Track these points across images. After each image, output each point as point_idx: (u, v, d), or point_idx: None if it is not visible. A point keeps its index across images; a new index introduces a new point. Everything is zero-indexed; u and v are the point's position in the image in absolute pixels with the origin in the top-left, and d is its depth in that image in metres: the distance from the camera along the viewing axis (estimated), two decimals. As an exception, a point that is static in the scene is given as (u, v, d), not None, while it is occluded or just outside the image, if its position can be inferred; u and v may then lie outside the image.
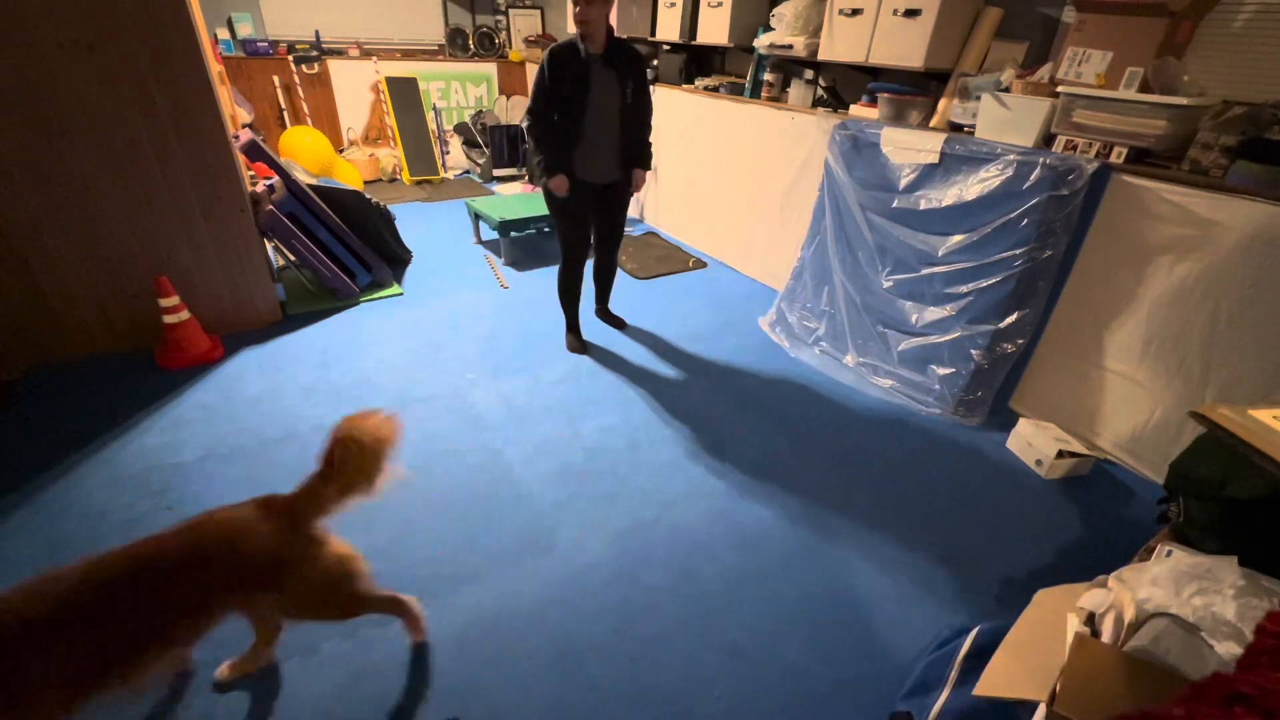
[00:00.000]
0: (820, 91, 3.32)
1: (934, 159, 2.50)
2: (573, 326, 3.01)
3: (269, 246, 3.28)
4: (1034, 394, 2.55)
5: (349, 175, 5.21)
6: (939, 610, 1.71)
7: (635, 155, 2.64)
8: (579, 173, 2.57)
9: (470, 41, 6.21)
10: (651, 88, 2.63)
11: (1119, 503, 2.15)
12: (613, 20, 2.49)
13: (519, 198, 4.40)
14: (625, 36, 4.48)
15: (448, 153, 6.10)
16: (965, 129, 2.57)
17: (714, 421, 2.50)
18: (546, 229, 4.24)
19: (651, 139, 2.68)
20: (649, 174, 2.84)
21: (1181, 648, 1.01)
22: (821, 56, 3.10)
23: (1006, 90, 2.40)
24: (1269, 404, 1.34)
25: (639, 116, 2.58)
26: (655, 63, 4.51)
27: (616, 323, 3.23)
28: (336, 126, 5.82)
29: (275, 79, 5.39)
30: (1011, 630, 1.33)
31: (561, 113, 2.45)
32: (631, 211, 5.05)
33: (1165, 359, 2.12)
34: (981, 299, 2.42)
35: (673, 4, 4.02)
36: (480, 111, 6.23)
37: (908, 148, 2.59)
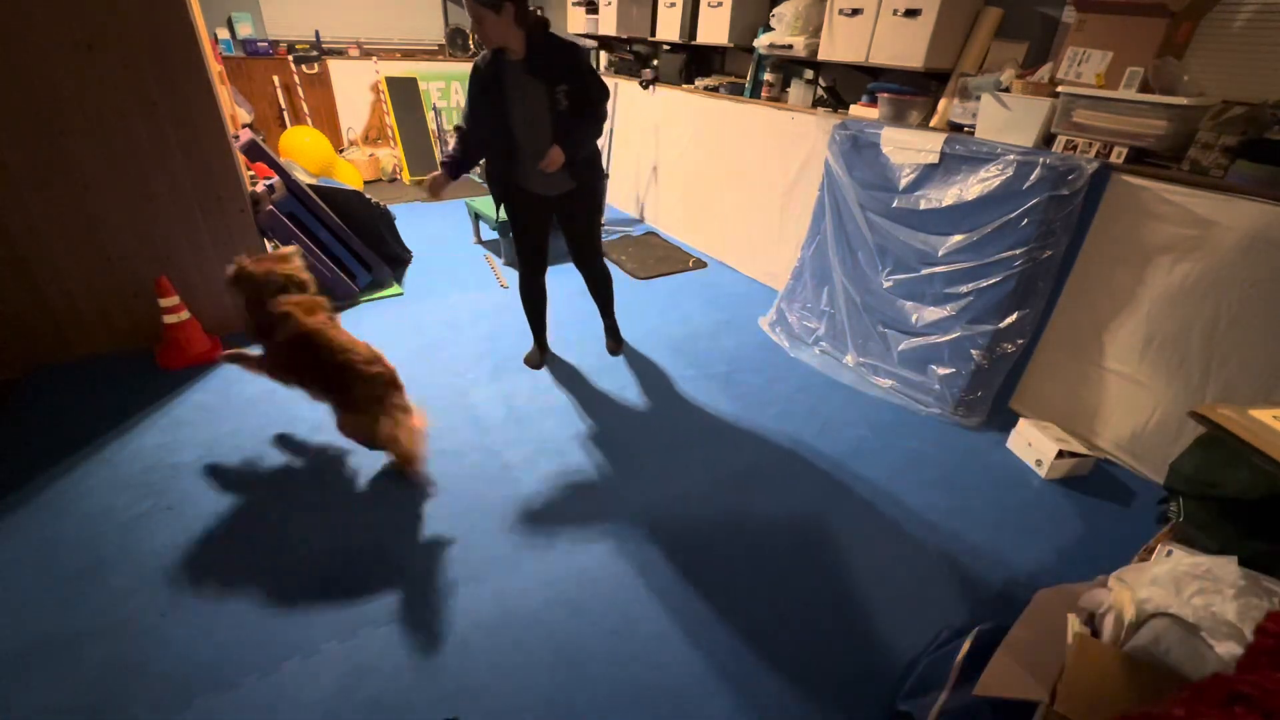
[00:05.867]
0: (820, 91, 3.32)
1: (934, 159, 2.50)
2: (537, 339, 2.86)
3: (269, 246, 3.28)
4: (1034, 394, 2.55)
5: (349, 175, 5.21)
6: (939, 610, 1.71)
7: (566, 142, 2.19)
8: (525, 183, 2.37)
9: (470, 41, 6.20)
10: (604, 77, 2.19)
11: (1119, 503, 2.15)
12: (540, 22, 2.12)
13: (519, 198, 4.39)
14: (625, 36, 4.50)
15: (448, 153, 6.10)
16: (965, 129, 2.57)
17: (714, 422, 2.49)
18: (546, 229, 4.24)
19: (605, 137, 2.39)
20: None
21: (1181, 648, 1.01)
22: (821, 56, 3.10)
23: (1006, 90, 2.40)
24: (1269, 404, 1.34)
25: (579, 123, 2.21)
26: (655, 62, 4.51)
27: (612, 350, 2.96)
28: (336, 126, 5.81)
29: (275, 79, 5.39)
30: (1011, 630, 1.33)
31: (490, 127, 2.26)
32: (631, 211, 5.05)
33: (1165, 359, 2.12)
34: (981, 299, 2.41)
35: (673, 4, 4.02)
36: (480, 111, 6.22)
37: (908, 148, 2.59)
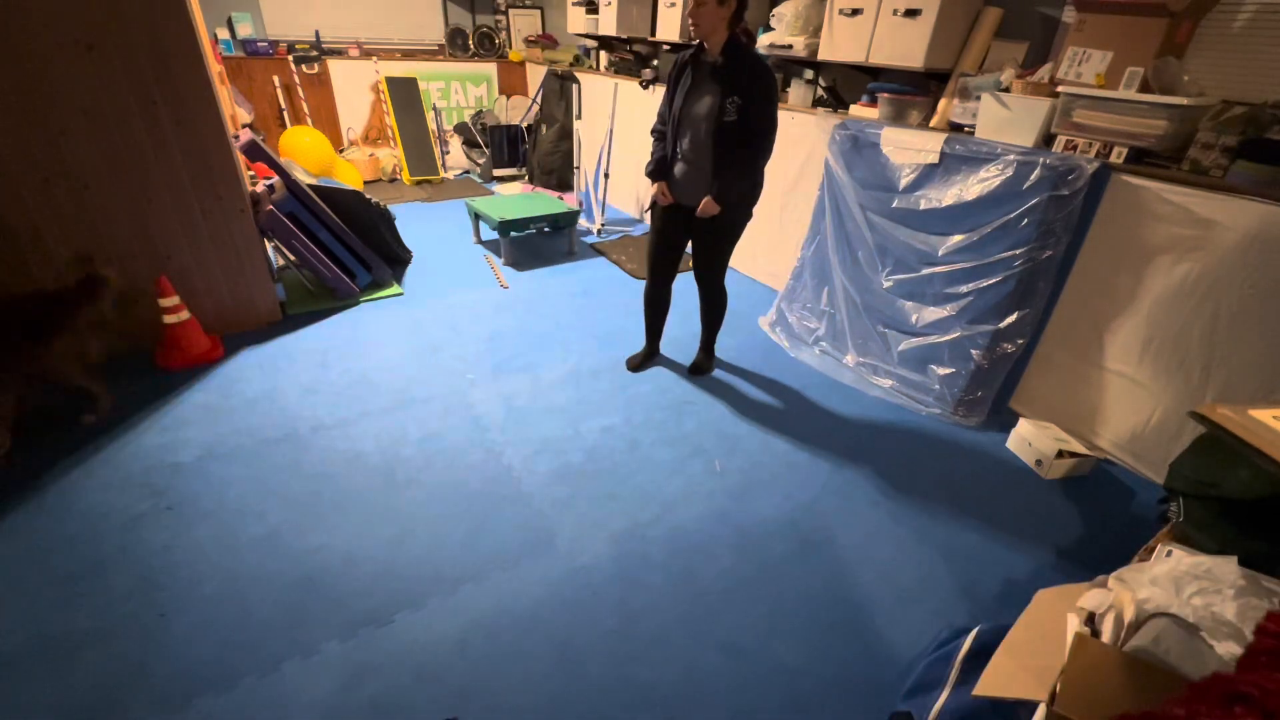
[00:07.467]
0: (820, 91, 3.32)
1: (934, 159, 2.50)
2: (649, 342, 2.87)
3: (269, 246, 3.28)
4: (1034, 394, 2.55)
5: (349, 175, 5.21)
6: (939, 610, 1.71)
7: (718, 181, 2.23)
8: (674, 191, 2.40)
9: (470, 41, 6.21)
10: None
11: (1119, 503, 2.15)
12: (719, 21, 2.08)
13: (519, 198, 4.40)
14: (625, 36, 4.50)
15: (448, 153, 6.10)
16: (965, 129, 2.57)
17: (713, 422, 2.49)
18: (546, 229, 4.24)
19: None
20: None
21: (1181, 648, 1.01)
22: (821, 56, 3.10)
23: (1006, 90, 2.40)
24: (1269, 404, 1.34)
25: (739, 141, 2.17)
26: (655, 63, 4.51)
27: (698, 368, 2.84)
28: (336, 126, 5.81)
29: (275, 79, 5.39)
30: (1011, 630, 1.33)
31: (665, 119, 2.33)
32: (631, 211, 5.05)
33: (1165, 359, 2.12)
34: (981, 299, 2.41)
35: (673, 4, 4.02)
36: (480, 111, 6.23)
37: (908, 148, 2.59)
